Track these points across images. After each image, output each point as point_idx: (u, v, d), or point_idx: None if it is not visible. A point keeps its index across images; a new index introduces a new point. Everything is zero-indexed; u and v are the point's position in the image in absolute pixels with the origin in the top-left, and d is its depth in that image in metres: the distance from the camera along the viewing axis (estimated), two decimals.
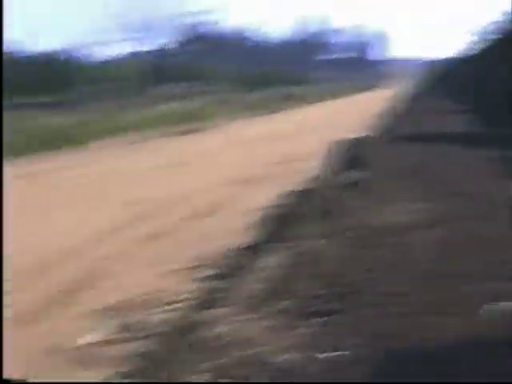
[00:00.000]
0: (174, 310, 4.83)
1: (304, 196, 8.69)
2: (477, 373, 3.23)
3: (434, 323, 3.82)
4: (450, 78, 42.67)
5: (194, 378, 3.45)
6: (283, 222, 7.23)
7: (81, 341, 4.38)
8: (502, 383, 3.17)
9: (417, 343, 3.58)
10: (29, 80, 30.23)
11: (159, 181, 11.79)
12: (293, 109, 33.50)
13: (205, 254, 6.30)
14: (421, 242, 5.53)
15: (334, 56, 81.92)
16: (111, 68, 37.53)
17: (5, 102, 20.36)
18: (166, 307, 4.90)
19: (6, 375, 2.82)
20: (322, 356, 3.51)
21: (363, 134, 16.34)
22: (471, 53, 29.93)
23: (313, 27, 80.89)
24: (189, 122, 24.44)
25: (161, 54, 50.54)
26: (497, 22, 20.31)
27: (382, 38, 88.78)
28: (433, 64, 64.67)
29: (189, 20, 58.11)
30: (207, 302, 4.81)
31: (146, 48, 51.40)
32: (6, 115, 17.00)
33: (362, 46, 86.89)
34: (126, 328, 4.56)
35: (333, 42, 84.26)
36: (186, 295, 5.11)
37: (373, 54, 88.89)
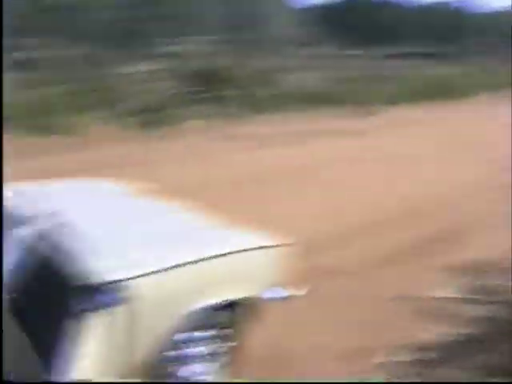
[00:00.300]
0: None
1: None
2: None
3: None
4: None
5: None
6: None
7: (431, 293, 4.44)
8: None
9: None
10: (414, 30, 30.48)
11: None
12: None
13: None
14: None
15: None
16: (496, 19, 35.57)
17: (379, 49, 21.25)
18: None
19: None
20: None
21: None
22: None
23: None
24: None
25: None
26: None
27: None
28: None
29: None
30: None
31: None
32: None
33: None
34: (478, 289, 4.48)
35: None
36: None
37: None
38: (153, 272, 2.87)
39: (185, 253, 3.07)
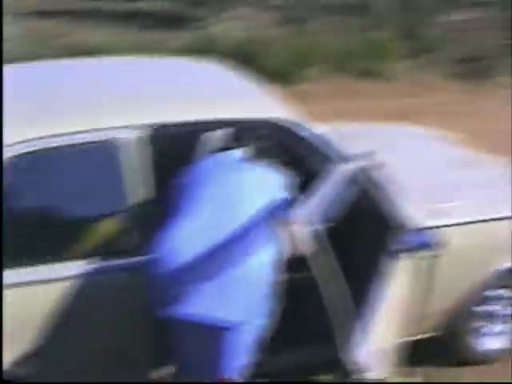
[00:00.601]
0: None
1: None
2: None
3: None
4: None
5: None
6: None
7: None
8: None
9: None
10: None
11: None
12: None
13: None
14: None
15: None
16: None
17: None
18: None
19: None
20: None
21: None
22: None
23: None
24: None
25: None
26: None
27: None
28: None
29: None
30: None
31: None
32: None
33: None
34: None
35: None
36: None
37: None
38: (465, 222, 2.81)
39: (499, 207, 2.94)
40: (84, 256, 2.39)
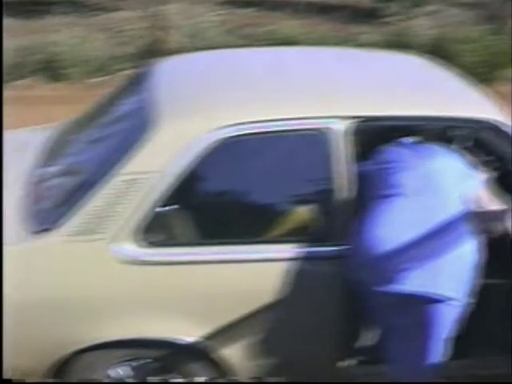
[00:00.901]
0: None
1: None
2: None
3: None
4: None
5: None
6: None
7: None
8: None
9: None
10: None
11: None
12: None
13: None
14: None
15: None
16: None
17: None
18: None
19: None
20: None
21: None
22: None
23: None
24: None
25: None
26: None
27: None
28: None
29: None
30: None
31: None
32: None
33: None
34: None
35: None
36: None
37: None
38: None
39: None
40: (287, 241, 2.48)
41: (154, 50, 6.74)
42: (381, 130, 2.59)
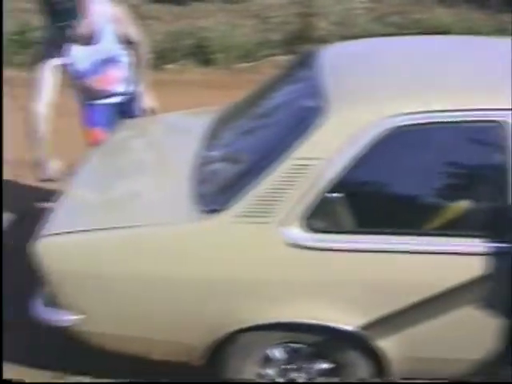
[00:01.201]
0: None
1: None
2: None
3: None
4: None
5: None
6: None
7: None
8: None
9: None
10: None
11: None
12: None
13: None
14: None
15: None
16: None
17: None
18: None
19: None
20: None
21: None
22: None
23: None
24: None
25: None
26: None
27: None
28: None
29: None
30: None
31: None
32: None
33: None
34: None
35: None
36: None
37: None
38: None
39: None
40: (456, 234, 2.41)
41: (302, 37, 6.76)
42: None
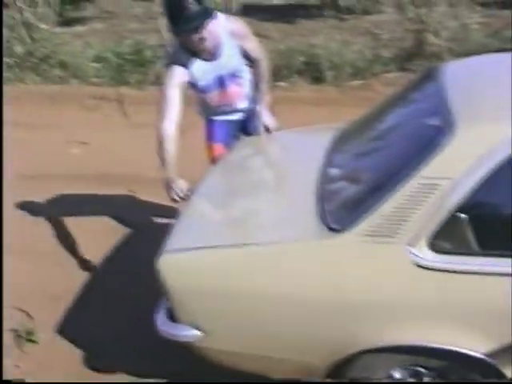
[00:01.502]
0: None
1: None
2: None
3: None
4: None
5: None
6: None
7: None
8: None
9: None
10: None
11: None
12: None
13: None
14: None
15: None
16: None
17: None
18: None
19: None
20: None
21: None
22: None
23: None
24: None
25: None
26: None
27: None
28: None
29: None
30: None
31: None
32: None
33: None
34: None
35: None
36: None
37: None
38: None
39: None
40: None
41: (414, 53, 6.65)
42: None
